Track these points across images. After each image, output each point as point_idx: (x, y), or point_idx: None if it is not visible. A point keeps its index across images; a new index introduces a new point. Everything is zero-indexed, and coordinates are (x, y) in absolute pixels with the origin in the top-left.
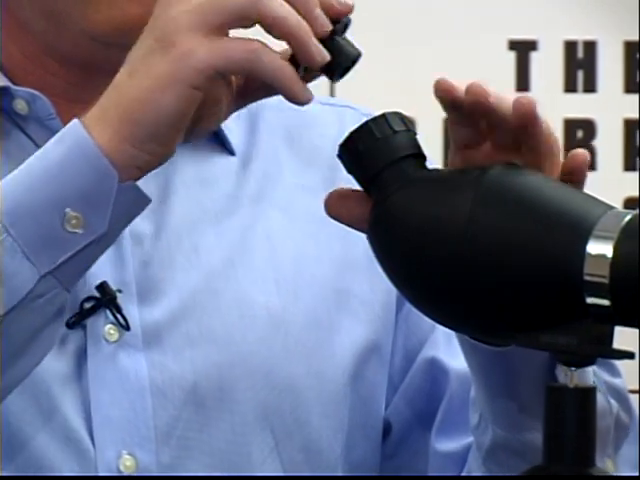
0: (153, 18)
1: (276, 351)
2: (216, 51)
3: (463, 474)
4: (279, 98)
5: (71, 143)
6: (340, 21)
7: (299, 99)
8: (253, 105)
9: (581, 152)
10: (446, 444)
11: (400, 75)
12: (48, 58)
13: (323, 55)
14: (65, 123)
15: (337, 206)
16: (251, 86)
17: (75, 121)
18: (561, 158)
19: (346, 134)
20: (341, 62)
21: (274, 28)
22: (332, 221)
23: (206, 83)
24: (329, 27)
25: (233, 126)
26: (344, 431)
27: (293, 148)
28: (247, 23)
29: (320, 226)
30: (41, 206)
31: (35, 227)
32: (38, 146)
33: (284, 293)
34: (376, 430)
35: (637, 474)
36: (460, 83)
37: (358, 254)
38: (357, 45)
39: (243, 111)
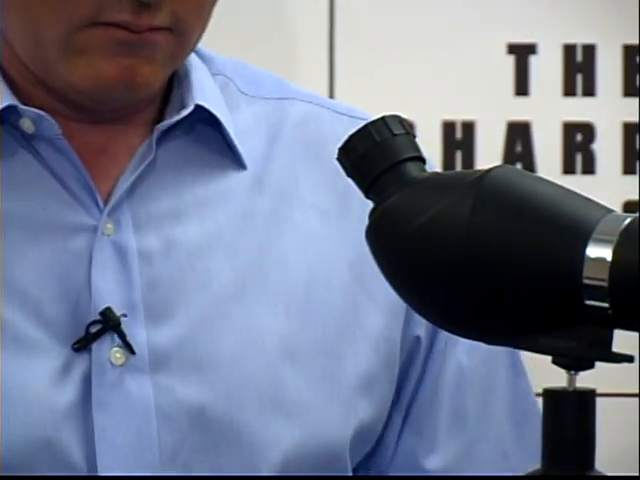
0: None
1: (284, 377)
2: None
3: None
4: (301, 113)
5: None
6: None
7: None
8: (274, 119)
9: None
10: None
11: (399, 78)
12: (49, 85)
13: None
14: (76, 142)
15: None
16: None
17: None
18: (559, 162)
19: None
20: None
21: None
22: (345, 247)
23: None
24: None
25: (251, 138)
26: (345, 458)
27: (312, 166)
28: None
29: (333, 251)
30: None
31: None
32: (46, 163)
33: (294, 319)
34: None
35: (638, 474)
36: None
37: (373, 286)
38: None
39: (263, 124)
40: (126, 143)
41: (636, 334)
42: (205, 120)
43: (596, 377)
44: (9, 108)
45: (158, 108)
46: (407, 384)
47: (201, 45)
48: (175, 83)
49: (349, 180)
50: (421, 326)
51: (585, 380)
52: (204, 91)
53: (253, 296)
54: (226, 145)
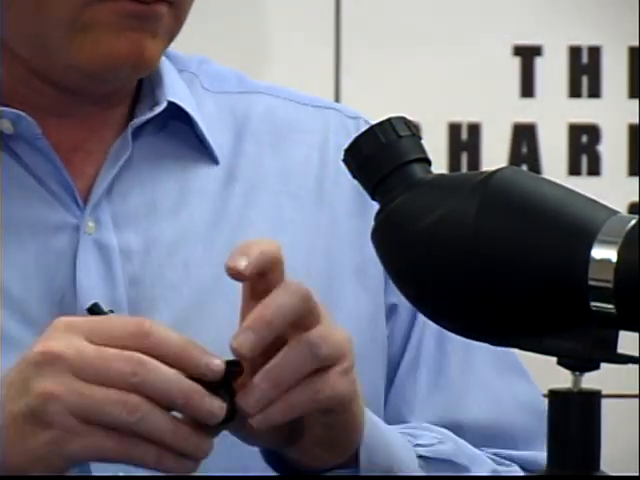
0: (27, 372)
1: None
2: (90, 445)
3: None
4: (266, 106)
5: None
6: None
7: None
8: (239, 113)
9: None
10: None
11: (405, 80)
12: (37, 81)
13: (220, 407)
14: (51, 140)
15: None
16: None
17: None
18: (565, 164)
19: (350, 140)
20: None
21: (159, 399)
22: (318, 233)
23: (76, 464)
24: (222, 411)
25: (219, 133)
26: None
27: (280, 156)
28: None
29: (306, 237)
30: None
31: None
32: (25, 164)
33: None
34: None
35: (638, 475)
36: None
37: (342, 267)
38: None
39: (229, 119)
40: (100, 140)
41: (636, 334)
42: (177, 116)
43: (597, 378)
44: None
45: (130, 105)
46: (390, 352)
47: (202, 45)
48: (145, 80)
49: (320, 166)
50: (397, 295)
51: (586, 381)
52: (174, 87)
53: (231, 288)
54: (198, 141)
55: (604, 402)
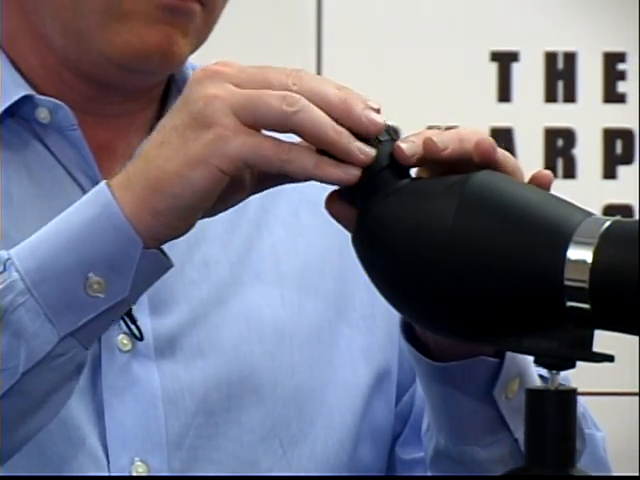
0: (184, 96)
1: (281, 364)
2: (250, 145)
3: None
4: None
5: (98, 209)
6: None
7: (346, 182)
8: None
9: (485, 140)
10: (412, 454)
11: (384, 84)
12: (66, 72)
13: (367, 152)
14: (82, 134)
15: (334, 203)
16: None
17: (102, 185)
18: (541, 167)
19: None
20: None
21: (311, 140)
22: (333, 235)
23: (234, 171)
24: (382, 121)
25: None
26: (350, 440)
27: None
28: (283, 131)
29: (321, 241)
30: (65, 270)
31: (58, 290)
32: (55, 157)
33: (289, 307)
34: (384, 437)
35: (638, 474)
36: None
37: (355, 270)
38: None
39: None
40: (125, 141)
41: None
42: None
43: (597, 377)
44: (25, 98)
45: (156, 110)
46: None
47: None
48: (172, 86)
49: None
50: None
51: (586, 379)
52: None
53: (248, 286)
54: None
55: (604, 400)
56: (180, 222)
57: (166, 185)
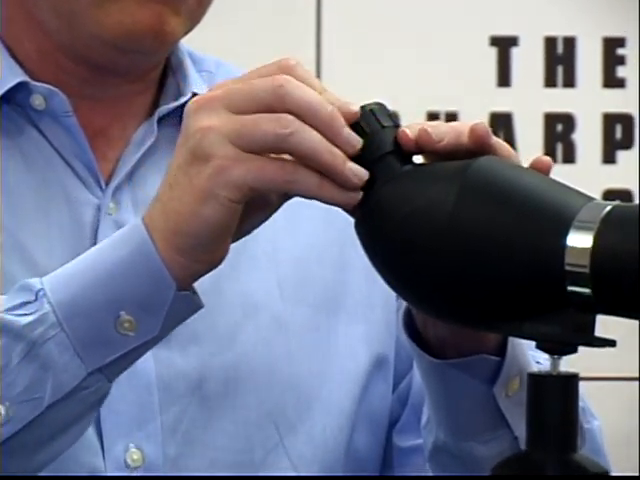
0: (183, 130)
1: (278, 352)
2: (253, 170)
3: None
4: None
5: (134, 247)
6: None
7: (347, 205)
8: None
9: (480, 126)
10: (408, 441)
11: (384, 69)
12: (62, 56)
13: (361, 175)
14: (78, 119)
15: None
16: None
17: (138, 224)
18: (540, 152)
19: None
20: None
21: (307, 161)
22: (331, 223)
23: (244, 198)
24: (359, 144)
25: None
26: (348, 426)
27: None
28: (277, 153)
29: (320, 229)
30: (97, 306)
31: (88, 326)
32: (51, 143)
33: (286, 295)
34: (381, 424)
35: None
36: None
37: (355, 256)
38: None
39: None
40: (122, 126)
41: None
42: None
43: (597, 361)
44: (19, 85)
45: (153, 97)
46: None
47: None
48: (169, 73)
49: None
50: None
51: (586, 364)
52: (197, 83)
53: (245, 273)
54: None
55: (604, 385)
56: (207, 255)
57: (184, 226)
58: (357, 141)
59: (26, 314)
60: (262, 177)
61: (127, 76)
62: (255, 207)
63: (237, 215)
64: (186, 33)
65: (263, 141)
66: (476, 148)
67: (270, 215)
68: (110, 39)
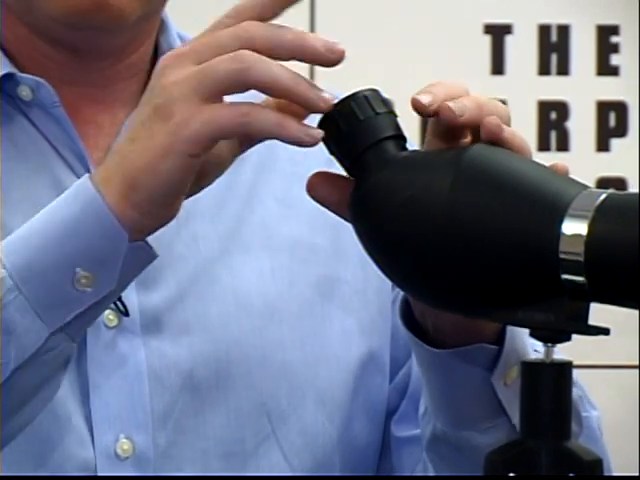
0: (149, 87)
1: (271, 339)
2: (209, 120)
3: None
4: None
5: (83, 204)
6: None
7: (305, 144)
8: (249, 96)
9: (492, 119)
10: (406, 431)
11: (377, 58)
12: (37, 39)
13: (326, 99)
14: (64, 107)
15: (318, 187)
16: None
17: (85, 180)
18: (534, 140)
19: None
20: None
21: (271, 91)
22: (325, 211)
23: (203, 151)
24: (332, 99)
25: None
26: (341, 415)
27: None
28: (241, 89)
29: (314, 215)
30: (53, 266)
31: (46, 286)
32: (41, 132)
33: (279, 281)
34: (378, 413)
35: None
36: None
37: (349, 243)
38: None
39: (239, 98)
40: (111, 114)
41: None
42: None
43: (596, 349)
44: (6, 76)
45: (142, 83)
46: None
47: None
48: (160, 58)
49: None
50: None
51: (585, 352)
52: None
53: (238, 261)
54: None
55: (604, 373)
56: (162, 211)
57: (141, 180)
58: (331, 98)
59: None
60: (219, 124)
61: (104, 58)
62: (208, 164)
63: (194, 171)
64: (144, 7)
65: (224, 80)
66: (489, 140)
67: (223, 171)
68: (58, 16)
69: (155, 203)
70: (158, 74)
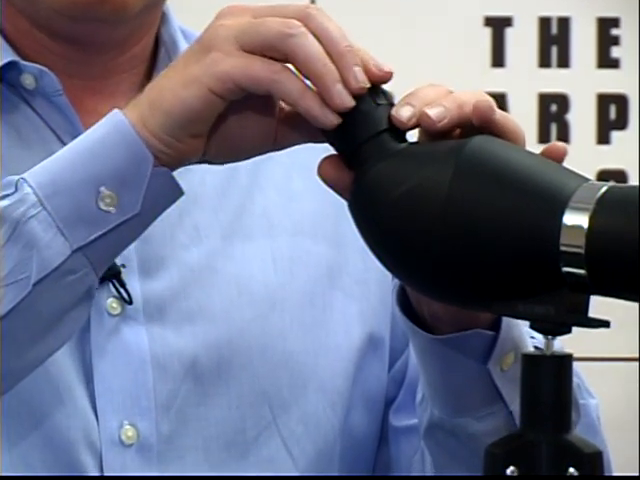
0: (206, 28)
1: (272, 328)
2: (240, 65)
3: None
4: None
5: (109, 126)
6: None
7: (323, 123)
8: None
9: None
10: (404, 421)
11: (377, 50)
12: (38, 33)
13: (345, 100)
14: (69, 98)
15: (329, 172)
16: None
17: (115, 110)
18: (535, 132)
19: None
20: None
21: (300, 66)
22: (327, 200)
23: (225, 92)
24: (366, 84)
25: None
26: (342, 404)
27: None
28: (276, 55)
29: (315, 204)
30: (77, 183)
31: (70, 203)
32: (44, 120)
33: (280, 271)
34: (377, 403)
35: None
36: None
37: (351, 233)
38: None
39: None
40: (112, 105)
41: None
42: None
43: (596, 342)
44: (9, 64)
45: (144, 73)
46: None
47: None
48: (162, 50)
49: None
50: None
51: (585, 345)
52: None
53: (240, 250)
54: None
55: (604, 365)
56: (180, 144)
57: (160, 102)
58: (364, 81)
59: (7, 199)
60: (248, 72)
61: (106, 51)
62: (234, 127)
63: (214, 110)
64: (155, 1)
65: (265, 37)
66: (481, 125)
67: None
68: (61, 9)
69: (166, 129)
70: (217, 17)
